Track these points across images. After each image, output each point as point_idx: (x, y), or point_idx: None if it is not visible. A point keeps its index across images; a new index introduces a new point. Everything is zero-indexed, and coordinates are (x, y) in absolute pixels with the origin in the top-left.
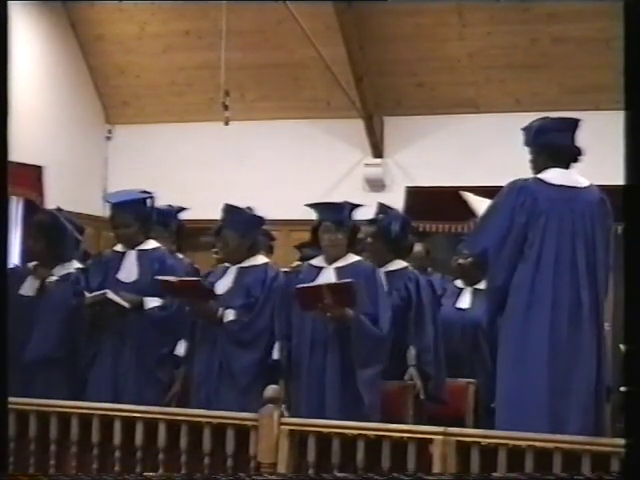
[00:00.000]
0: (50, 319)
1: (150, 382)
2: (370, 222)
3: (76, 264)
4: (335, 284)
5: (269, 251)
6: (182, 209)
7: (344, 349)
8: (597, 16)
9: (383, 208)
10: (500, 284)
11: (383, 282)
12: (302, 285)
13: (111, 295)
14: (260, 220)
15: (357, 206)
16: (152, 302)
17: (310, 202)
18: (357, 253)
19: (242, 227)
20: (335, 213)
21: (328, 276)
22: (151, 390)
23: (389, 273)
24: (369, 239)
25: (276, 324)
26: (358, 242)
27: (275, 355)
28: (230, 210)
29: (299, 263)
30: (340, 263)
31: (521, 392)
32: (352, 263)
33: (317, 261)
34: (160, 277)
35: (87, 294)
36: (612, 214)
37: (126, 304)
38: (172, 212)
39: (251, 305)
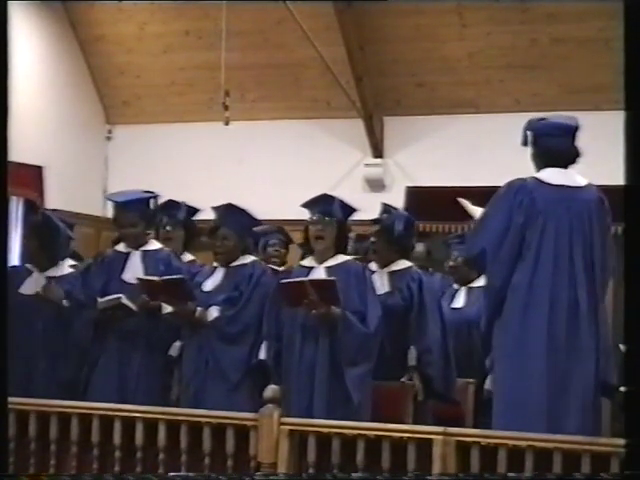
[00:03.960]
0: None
1: (159, 384)
2: (374, 222)
3: (70, 262)
4: (317, 280)
5: (285, 248)
6: (196, 210)
7: (334, 347)
8: (597, 16)
9: (387, 208)
10: (499, 284)
11: (372, 281)
12: (285, 280)
13: (125, 300)
14: (257, 223)
15: (351, 209)
16: (168, 307)
17: (303, 202)
18: (348, 254)
19: (242, 229)
20: (322, 205)
21: (318, 275)
22: (159, 392)
23: (392, 273)
24: (372, 238)
25: (265, 324)
26: (349, 242)
27: (262, 355)
28: (233, 210)
29: None
30: (330, 262)
31: (519, 391)
32: (342, 263)
33: (307, 261)
34: (142, 277)
35: (99, 300)
36: (610, 213)
37: (135, 307)
38: (189, 212)
39: (235, 299)
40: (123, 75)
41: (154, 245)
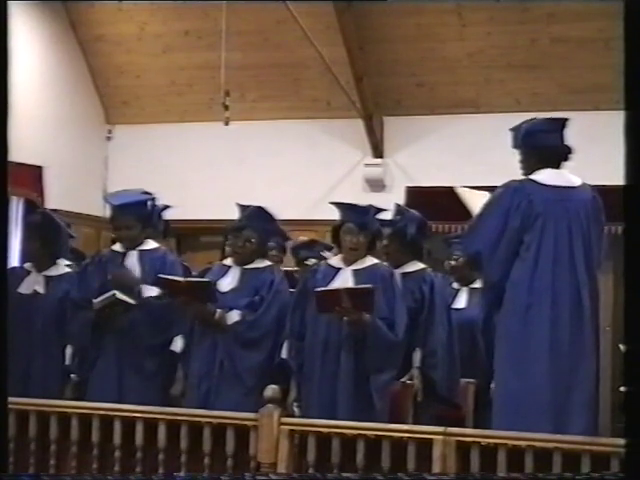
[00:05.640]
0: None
1: (156, 382)
2: (387, 224)
3: (66, 262)
4: (354, 289)
5: (282, 251)
6: (166, 207)
7: (358, 352)
8: (597, 16)
9: (400, 209)
10: (495, 281)
11: (400, 286)
12: (321, 289)
13: (120, 295)
14: (281, 230)
15: (380, 210)
16: (150, 291)
17: (335, 201)
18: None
19: (266, 233)
20: (359, 216)
21: (346, 278)
22: (157, 390)
23: (405, 275)
24: (385, 241)
25: (288, 323)
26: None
27: (283, 354)
28: (262, 214)
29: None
30: (358, 265)
31: (523, 392)
32: (370, 266)
33: (335, 261)
34: (166, 276)
35: (94, 300)
36: (604, 211)
37: (132, 301)
38: (157, 211)
39: (256, 304)
40: (123, 75)
41: (150, 245)
